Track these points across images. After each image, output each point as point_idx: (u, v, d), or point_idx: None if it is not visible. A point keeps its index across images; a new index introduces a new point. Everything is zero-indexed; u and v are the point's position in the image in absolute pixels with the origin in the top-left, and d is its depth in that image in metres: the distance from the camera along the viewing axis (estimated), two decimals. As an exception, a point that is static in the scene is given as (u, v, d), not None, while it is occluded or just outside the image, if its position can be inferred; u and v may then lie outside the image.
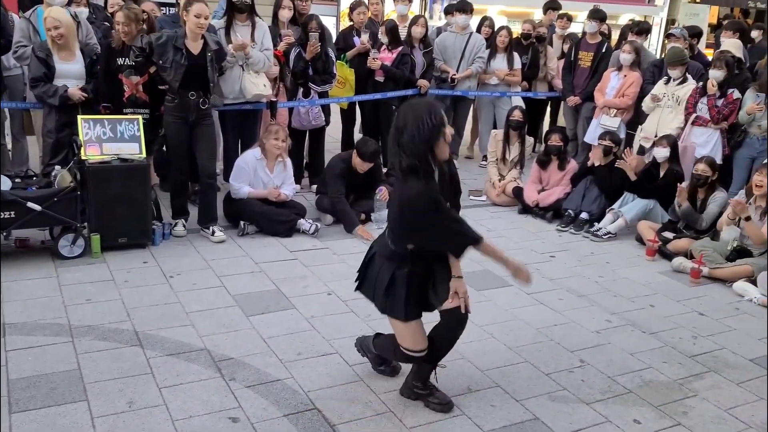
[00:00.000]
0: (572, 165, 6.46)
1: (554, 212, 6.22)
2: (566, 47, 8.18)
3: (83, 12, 5.81)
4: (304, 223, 5.40)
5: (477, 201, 6.72)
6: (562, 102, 8.12)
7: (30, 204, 4.34)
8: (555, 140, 6.42)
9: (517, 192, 6.52)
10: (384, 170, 6.57)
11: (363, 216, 5.77)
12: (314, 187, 6.29)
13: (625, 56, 6.93)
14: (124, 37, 5.03)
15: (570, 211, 6.08)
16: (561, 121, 8.52)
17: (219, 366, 3.43)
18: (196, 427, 2.95)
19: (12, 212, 4.32)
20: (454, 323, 3.11)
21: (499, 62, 7.67)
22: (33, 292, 4.11)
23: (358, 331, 3.87)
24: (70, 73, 5.00)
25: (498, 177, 6.72)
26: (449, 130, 2.96)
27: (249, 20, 5.77)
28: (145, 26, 5.44)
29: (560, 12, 8.66)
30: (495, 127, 7.62)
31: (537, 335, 3.97)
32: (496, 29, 7.85)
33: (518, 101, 7.81)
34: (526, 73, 7.93)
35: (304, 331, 3.86)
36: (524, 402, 3.29)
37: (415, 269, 3.03)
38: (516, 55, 7.72)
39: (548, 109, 8.84)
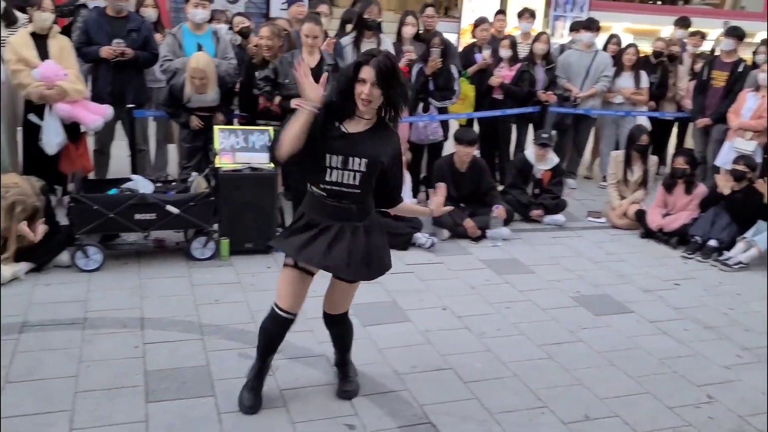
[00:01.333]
0: (700, 189, 6.15)
1: (679, 238, 5.94)
2: (697, 66, 7.81)
3: (222, 28, 6.18)
4: (420, 237, 5.46)
5: (596, 222, 6.54)
6: (691, 123, 7.76)
7: (169, 207, 4.65)
8: (681, 163, 6.15)
9: (640, 215, 6.28)
10: (500, 188, 6.56)
11: (479, 232, 5.77)
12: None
13: (764, 76, 6.54)
14: (267, 52, 5.29)
15: (697, 237, 5.78)
16: (689, 143, 8.14)
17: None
18: (314, 430, 3.05)
19: (153, 214, 4.65)
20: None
21: (625, 80, 7.45)
22: (168, 290, 4.40)
23: (472, 348, 3.88)
24: (202, 101, 5.33)
25: (619, 199, 6.51)
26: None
27: (375, 37, 5.95)
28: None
29: (692, 29, 8.29)
30: (617, 147, 7.40)
31: (660, 366, 3.81)
32: (623, 46, 7.64)
33: (644, 121, 7.55)
34: (653, 92, 7.66)
35: (418, 345, 3.90)
36: (646, 435, 3.17)
37: None
38: (643, 73, 7.47)
39: (675, 130, 8.47)
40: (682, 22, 8.31)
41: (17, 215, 4.32)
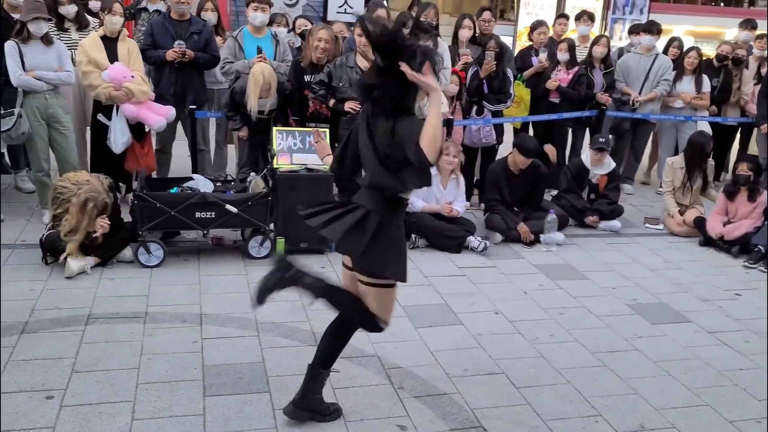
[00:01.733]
0: (764, 197, 5.96)
1: (741, 247, 5.77)
2: (764, 70, 7.58)
3: (282, 32, 6.30)
4: (473, 240, 5.46)
5: (653, 229, 6.41)
6: (756, 129, 7.52)
7: (228, 206, 4.77)
8: (744, 169, 5.98)
9: (699, 223, 6.13)
10: (554, 193, 6.50)
11: (532, 237, 5.73)
12: (484, 204, 6.33)
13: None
14: (322, 54, 5.38)
15: (761, 246, 5.61)
16: (753, 150, 7.90)
17: (389, 374, 3.55)
18: (366, 430, 3.08)
19: (212, 213, 4.77)
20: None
21: (686, 85, 7.27)
22: (226, 287, 4.51)
23: (524, 353, 3.86)
24: (261, 106, 5.43)
25: (676, 207, 6.36)
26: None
27: (431, 40, 5.96)
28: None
29: (758, 32, 8.04)
30: (676, 153, 7.23)
31: (719, 378, 3.72)
32: (684, 50, 7.47)
33: (704, 126, 7.36)
34: (715, 96, 7.45)
35: (470, 348, 3.90)
36: (703, 448, 3.10)
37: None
38: (705, 77, 7.28)
39: (738, 136, 8.22)
40: (748, 24, 8.06)
41: (89, 211, 4.50)
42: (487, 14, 6.95)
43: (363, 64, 5.32)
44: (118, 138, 5.43)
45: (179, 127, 6.19)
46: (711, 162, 6.68)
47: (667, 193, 6.47)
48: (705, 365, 3.85)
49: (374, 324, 3.04)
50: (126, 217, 4.95)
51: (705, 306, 4.71)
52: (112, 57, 5.42)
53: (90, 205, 4.50)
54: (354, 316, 3.05)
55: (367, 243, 2.77)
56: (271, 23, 6.22)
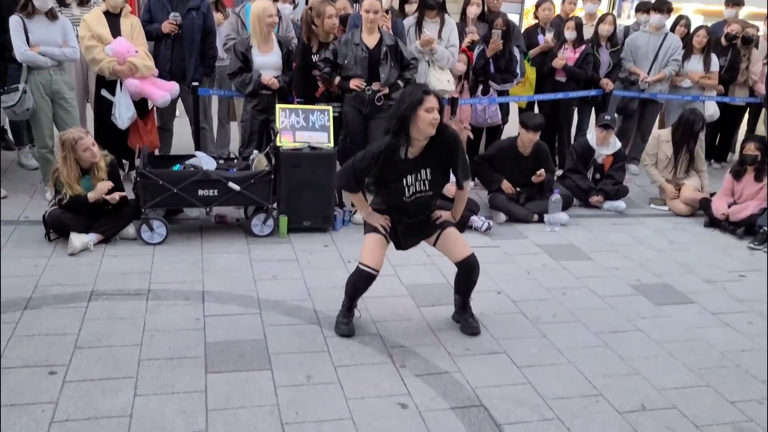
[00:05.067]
0: (771, 178, 5.92)
1: (746, 228, 5.74)
2: (774, 49, 7.48)
3: (286, 8, 6.23)
4: (476, 220, 5.43)
5: (658, 210, 6.38)
6: (764, 109, 7.44)
7: (231, 184, 4.75)
8: (751, 149, 5.93)
9: (704, 203, 6.10)
10: (559, 172, 6.46)
11: (536, 217, 5.71)
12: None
13: None
14: (330, 30, 5.32)
15: (765, 228, 5.58)
16: (761, 130, 7.83)
17: (390, 352, 3.56)
18: (367, 408, 3.09)
19: (215, 190, 4.76)
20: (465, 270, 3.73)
21: (694, 64, 7.18)
22: (228, 265, 4.51)
23: (526, 333, 3.86)
24: (268, 64, 5.40)
25: (662, 178, 6.37)
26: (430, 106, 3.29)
27: (438, 17, 5.90)
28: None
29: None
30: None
31: (722, 359, 3.71)
32: (692, 29, 7.37)
33: (712, 106, 7.29)
34: (723, 76, 7.37)
35: (472, 327, 3.90)
36: (705, 429, 3.09)
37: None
38: (713, 56, 7.19)
39: (746, 116, 8.14)
40: (732, 1, 7.85)
41: (68, 146, 4.52)
42: None
43: (368, 41, 5.26)
44: (123, 113, 5.40)
45: (180, 103, 6.16)
46: (701, 139, 6.60)
47: (649, 165, 6.46)
48: (708, 346, 3.85)
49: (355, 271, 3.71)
50: (129, 194, 4.94)
51: (709, 287, 4.70)
52: (115, 32, 5.38)
53: (65, 140, 4.52)
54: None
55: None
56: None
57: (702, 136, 6.41)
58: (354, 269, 3.66)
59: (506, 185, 5.76)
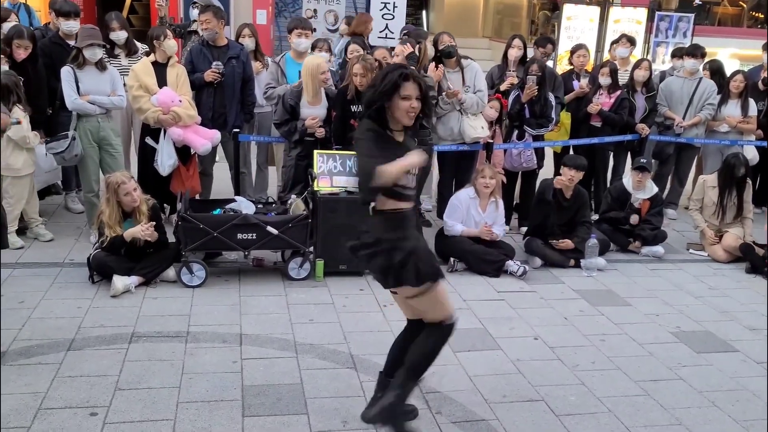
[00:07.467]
0: (815, 223, 5.80)
1: (790, 274, 5.62)
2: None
3: (324, 56, 6.38)
4: (512, 265, 5.42)
5: (697, 255, 6.28)
6: (805, 153, 7.33)
7: (269, 228, 4.83)
8: (794, 195, 5.84)
9: (746, 249, 5.98)
10: (595, 216, 6.42)
11: (572, 262, 5.67)
12: (523, 228, 6.30)
13: None
14: (360, 87, 5.45)
15: (810, 275, 5.46)
16: (802, 174, 7.69)
17: (426, 398, 3.54)
18: (404, 454, 3.08)
19: (254, 234, 4.84)
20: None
21: (732, 108, 7.14)
22: (265, 308, 4.56)
23: (565, 380, 3.81)
24: (315, 116, 5.51)
25: (705, 223, 6.27)
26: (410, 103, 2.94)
27: (458, 65, 5.99)
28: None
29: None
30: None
31: (768, 410, 3.62)
32: (729, 74, 7.35)
33: (751, 151, 7.20)
34: (761, 120, 7.30)
35: (509, 374, 3.86)
36: (751, 482, 3.01)
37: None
38: (751, 101, 7.14)
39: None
40: None
41: (111, 188, 4.70)
42: (549, 47, 7.04)
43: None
44: (165, 160, 5.58)
45: (219, 149, 6.32)
46: (749, 184, 6.52)
47: (694, 210, 6.37)
48: (753, 396, 3.74)
49: (447, 330, 3.12)
50: (170, 237, 5.05)
51: (752, 335, 4.59)
52: (162, 81, 5.59)
53: (110, 183, 4.69)
54: (435, 349, 3.13)
55: (394, 270, 2.95)
56: (313, 48, 6.32)
57: (748, 181, 6.32)
58: (441, 329, 3.11)
59: (565, 242, 5.68)
